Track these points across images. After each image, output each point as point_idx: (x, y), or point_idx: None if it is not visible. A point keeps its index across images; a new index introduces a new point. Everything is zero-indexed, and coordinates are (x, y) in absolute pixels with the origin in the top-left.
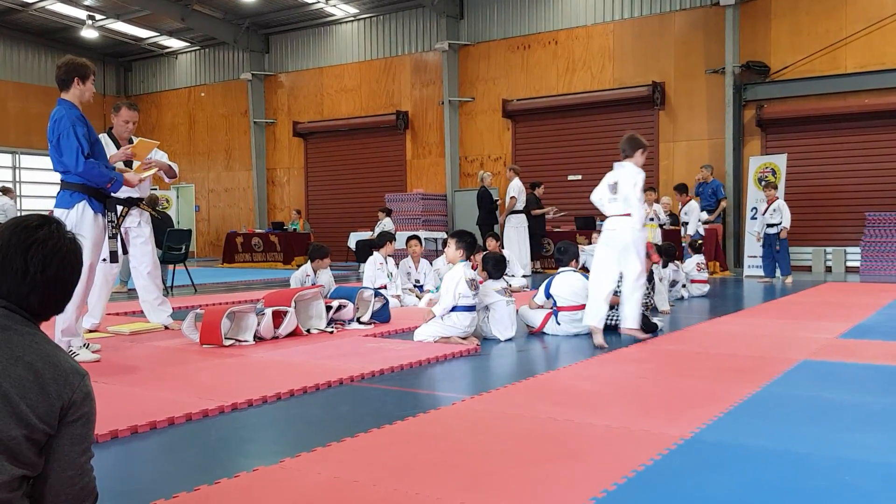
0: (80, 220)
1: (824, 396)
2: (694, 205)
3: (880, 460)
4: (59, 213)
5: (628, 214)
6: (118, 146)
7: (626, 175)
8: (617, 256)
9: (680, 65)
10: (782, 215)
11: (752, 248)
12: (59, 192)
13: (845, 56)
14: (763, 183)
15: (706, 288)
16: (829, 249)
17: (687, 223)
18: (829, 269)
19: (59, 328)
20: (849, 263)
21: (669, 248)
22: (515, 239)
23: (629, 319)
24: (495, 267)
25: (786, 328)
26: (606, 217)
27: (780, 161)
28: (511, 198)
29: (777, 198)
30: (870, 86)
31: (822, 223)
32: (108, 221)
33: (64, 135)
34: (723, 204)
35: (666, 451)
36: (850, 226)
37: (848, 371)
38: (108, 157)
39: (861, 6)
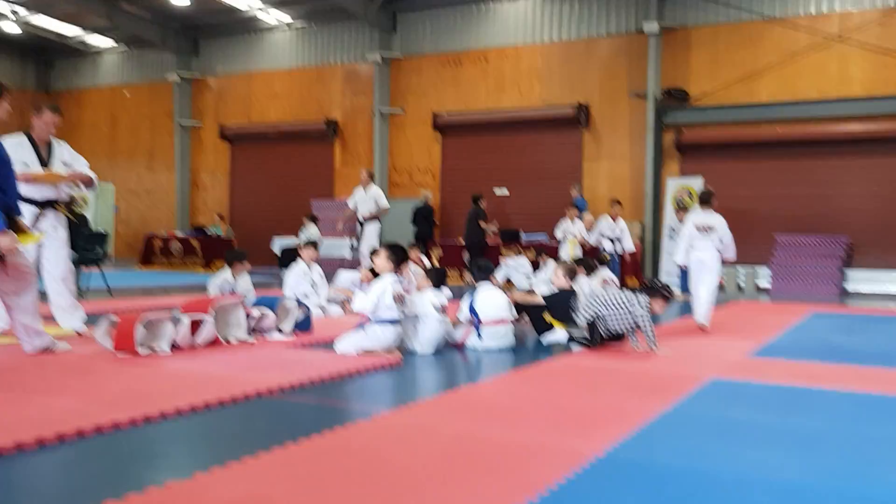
0: None
1: (731, 416)
2: (622, 223)
3: (782, 478)
4: None
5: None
6: (36, 148)
7: (721, 223)
8: (702, 276)
9: (605, 88)
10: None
11: (670, 265)
12: None
13: (760, 87)
14: (679, 204)
15: None
16: (740, 269)
17: (619, 238)
18: (740, 289)
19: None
20: (759, 283)
21: (588, 262)
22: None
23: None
24: (437, 278)
25: (697, 345)
26: (692, 247)
27: (697, 183)
28: (384, 209)
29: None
30: (782, 115)
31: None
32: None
33: None
34: (586, 217)
35: (580, 470)
36: (761, 247)
37: (755, 391)
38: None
39: (776, 40)
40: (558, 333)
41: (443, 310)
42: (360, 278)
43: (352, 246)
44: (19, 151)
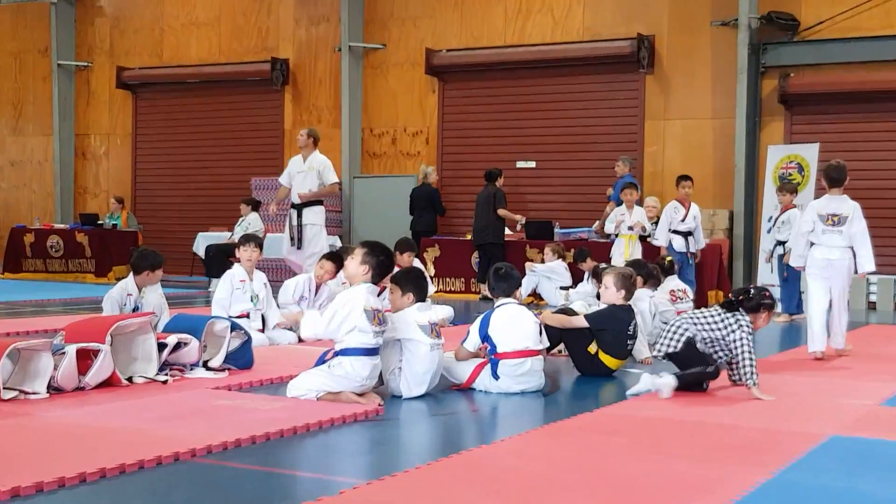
0: None
1: (858, 488)
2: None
3: None
4: None
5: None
6: None
7: (857, 212)
8: (830, 286)
9: (677, 13)
10: (791, 230)
11: (768, 273)
12: None
13: None
14: (783, 182)
15: None
16: (873, 279)
17: (690, 233)
18: (872, 306)
19: None
20: None
21: (652, 271)
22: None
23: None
24: (417, 286)
25: (809, 390)
26: (813, 244)
27: (810, 153)
28: (332, 185)
29: (794, 206)
30: None
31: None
32: None
33: None
34: (606, 209)
35: None
36: None
37: (891, 454)
38: None
39: None
40: (644, 381)
41: (434, 331)
42: (314, 280)
43: (294, 239)
44: None
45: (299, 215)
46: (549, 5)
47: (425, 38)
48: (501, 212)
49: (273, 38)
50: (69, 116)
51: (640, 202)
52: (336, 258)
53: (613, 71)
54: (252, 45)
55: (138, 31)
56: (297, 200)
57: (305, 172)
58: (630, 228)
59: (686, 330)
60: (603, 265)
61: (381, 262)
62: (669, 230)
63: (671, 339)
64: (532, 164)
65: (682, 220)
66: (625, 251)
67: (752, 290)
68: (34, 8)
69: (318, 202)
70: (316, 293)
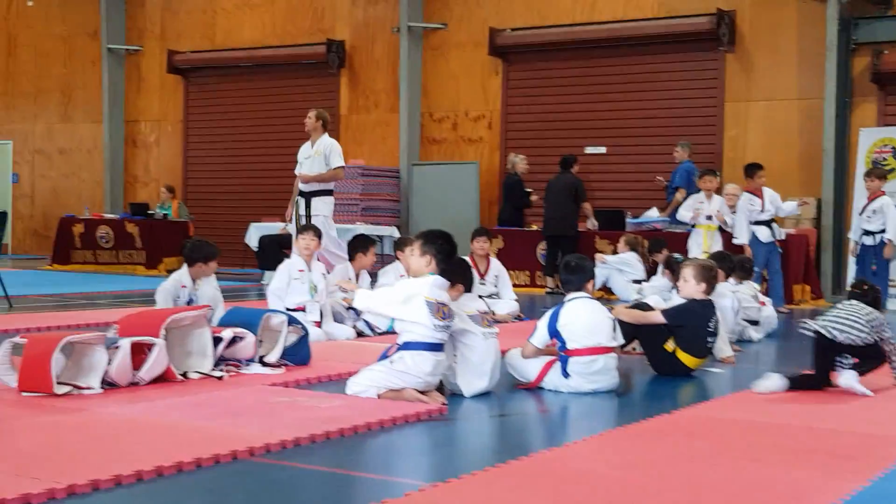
0: None
1: None
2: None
3: None
4: None
5: None
6: None
7: None
8: None
9: None
10: (886, 219)
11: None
12: None
13: None
14: (874, 165)
15: (762, 331)
16: None
17: (771, 223)
18: None
19: None
20: None
21: (744, 261)
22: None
23: None
24: (464, 276)
25: None
26: None
27: None
28: (337, 169)
29: (883, 192)
30: None
31: None
32: None
33: None
34: (677, 196)
35: None
36: None
37: None
38: None
39: None
40: (773, 379)
41: (485, 320)
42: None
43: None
44: None
45: (307, 205)
46: None
47: (489, 17)
48: (587, 205)
49: (329, 19)
50: (119, 102)
51: (718, 190)
52: (369, 240)
53: (691, 49)
54: (307, 27)
55: (190, 13)
56: (305, 188)
57: (312, 157)
58: (708, 218)
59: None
60: (677, 255)
61: (441, 248)
62: (750, 223)
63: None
64: (602, 150)
65: (761, 210)
66: (703, 242)
67: (869, 286)
68: None
69: (328, 191)
70: (357, 281)
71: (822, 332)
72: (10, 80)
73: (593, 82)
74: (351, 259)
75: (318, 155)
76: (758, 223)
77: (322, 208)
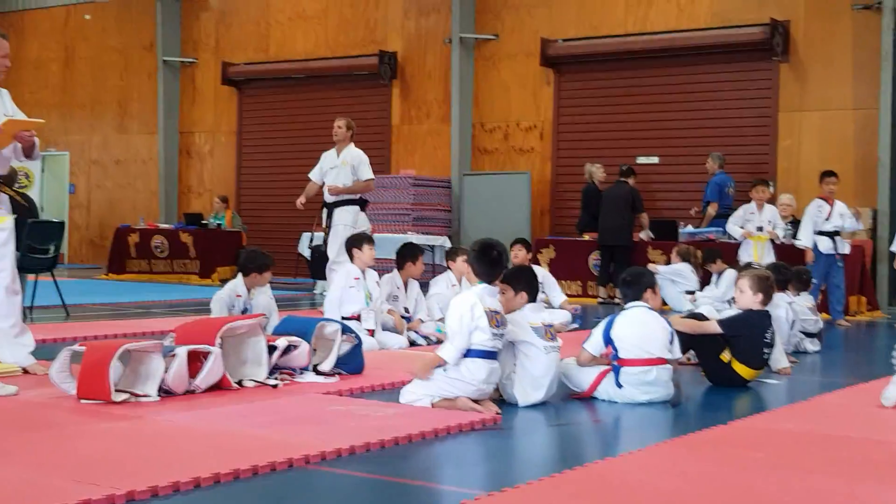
0: None
1: None
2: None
3: None
4: None
5: None
6: None
7: None
8: None
9: None
10: None
11: None
12: None
13: None
14: None
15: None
16: None
17: (837, 232)
18: None
19: None
20: None
21: (801, 273)
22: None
23: None
24: (529, 285)
25: None
26: None
27: None
28: (367, 181)
29: None
30: None
31: None
32: None
33: None
34: (710, 211)
35: None
36: None
37: None
38: None
39: None
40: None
41: (548, 333)
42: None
43: (316, 243)
44: None
45: (329, 215)
46: None
47: (540, 28)
48: (644, 216)
49: (381, 31)
50: (174, 114)
51: (772, 200)
52: (418, 249)
53: (744, 59)
54: (359, 39)
55: (244, 25)
56: (329, 198)
57: (339, 168)
58: (759, 229)
59: None
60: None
61: (493, 260)
62: (814, 231)
63: None
64: (655, 160)
65: (827, 219)
66: (753, 254)
67: None
68: (139, 3)
69: (352, 201)
70: (406, 289)
71: None
72: (68, 92)
73: (646, 92)
74: (399, 268)
75: (345, 165)
76: (821, 233)
77: (345, 217)
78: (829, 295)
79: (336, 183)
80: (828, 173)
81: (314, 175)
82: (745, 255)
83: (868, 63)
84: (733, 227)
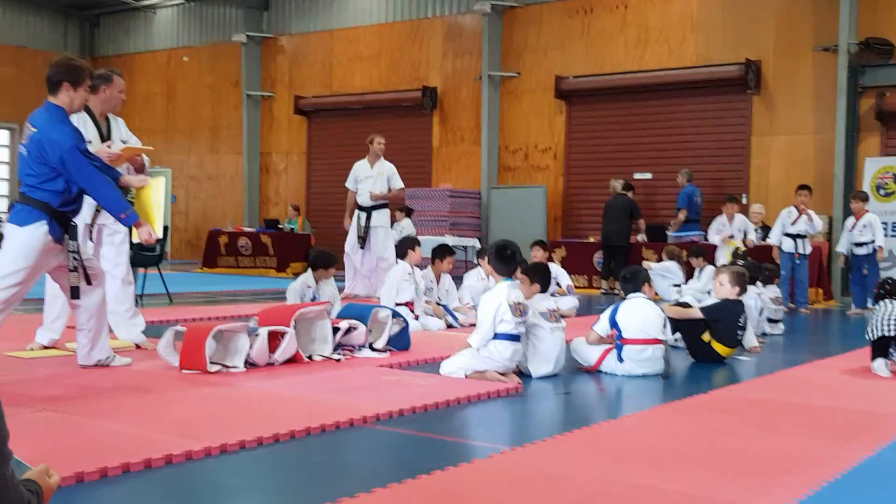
0: (28, 242)
1: None
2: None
3: None
4: (9, 230)
5: None
6: (97, 125)
7: None
8: None
9: (781, 40)
10: (874, 231)
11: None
12: (15, 205)
13: None
14: (882, 190)
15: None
16: None
17: (801, 235)
18: None
19: None
20: None
21: (767, 269)
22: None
23: None
24: (543, 278)
25: None
26: None
27: None
28: (400, 190)
29: (867, 211)
30: None
31: None
32: (70, 252)
33: (69, 154)
34: (679, 216)
35: None
36: None
37: None
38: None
39: None
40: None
41: (553, 316)
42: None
43: (361, 239)
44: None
45: (368, 217)
46: (666, 35)
47: (555, 67)
48: (641, 222)
49: (424, 70)
50: (255, 138)
51: (745, 210)
52: (448, 250)
53: (723, 92)
54: (406, 76)
55: (312, 65)
56: (367, 203)
57: (375, 177)
58: (731, 237)
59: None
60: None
61: (511, 258)
62: (782, 233)
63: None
64: (648, 176)
65: (793, 224)
66: (727, 257)
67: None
68: (228, 48)
69: (385, 205)
70: (438, 283)
71: (884, 333)
72: (170, 119)
73: (641, 119)
74: (432, 265)
75: (381, 176)
76: (787, 234)
77: (382, 220)
78: (794, 287)
79: (374, 190)
80: (801, 186)
81: (350, 184)
82: (721, 257)
83: (826, 95)
84: (713, 235)
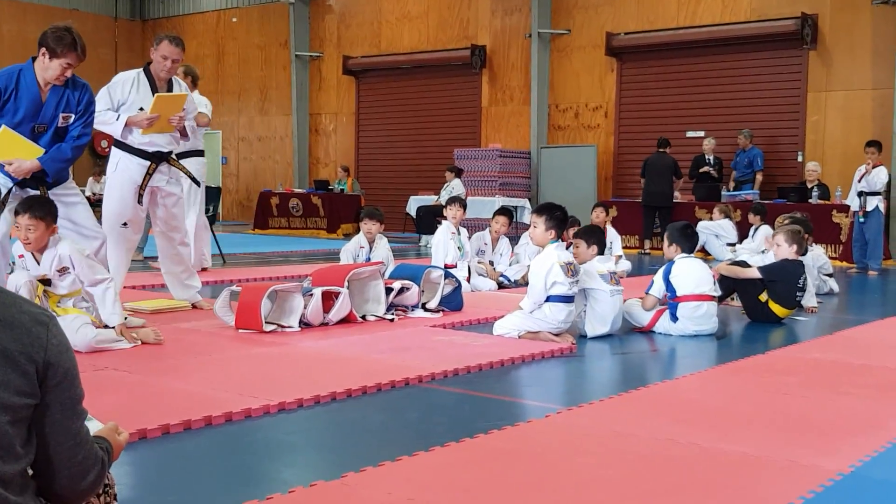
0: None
1: None
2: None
3: None
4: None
5: None
6: (153, 87)
7: None
8: None
9: None
10: None
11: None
12: None
13: None
14: None
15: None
16: None
17: (863, 193)
18: None
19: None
20: None
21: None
22: None
23: None
24: (599, 240)
25: None
26: None
27: None
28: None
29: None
30: None
31: None
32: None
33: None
34: (758, 178)
35: (820, 489)
36: None
37: None
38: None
39: None
40: None
41: (613, 279)
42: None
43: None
44: (133, 92)
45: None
46: None
47: (605, 24)
48: (681, 182)
49: (472, 28)
50: (304, 99)
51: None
52: (507, 213)
53: (778, 48)
54: (455, 35)
55: (360, 24)
56: None
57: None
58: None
59: None
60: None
61: (556, 218)
62: (860, 193)
63: None
64: (701, 134)
65: (858, 181)
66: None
67: None
68: (276, 8)
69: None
70: (493, 247)
71: None
72: (220, 81)
73: (694, 77)
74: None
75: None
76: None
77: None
78: (866, 247)
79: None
80: (869, 143)
81: None
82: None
83: (884, 50)
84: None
